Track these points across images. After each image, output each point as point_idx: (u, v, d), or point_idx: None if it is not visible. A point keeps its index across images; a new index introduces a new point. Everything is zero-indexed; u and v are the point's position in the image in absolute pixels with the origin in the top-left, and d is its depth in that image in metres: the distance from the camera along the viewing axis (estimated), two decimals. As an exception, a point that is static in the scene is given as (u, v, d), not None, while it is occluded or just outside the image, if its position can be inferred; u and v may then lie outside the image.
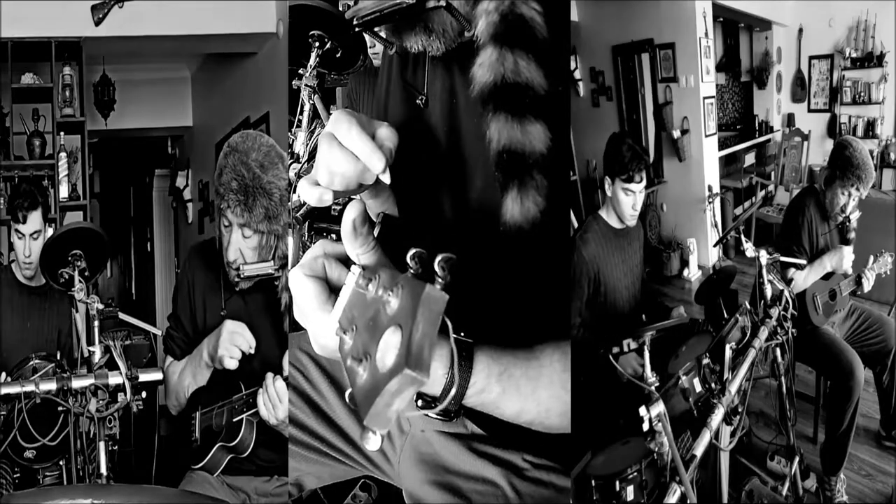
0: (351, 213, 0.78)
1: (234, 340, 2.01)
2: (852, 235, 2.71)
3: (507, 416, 0.91)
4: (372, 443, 0.65)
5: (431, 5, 0.92)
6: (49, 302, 2.52)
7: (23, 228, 2.49)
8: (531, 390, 0.90)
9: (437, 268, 0.65)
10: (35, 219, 2.51)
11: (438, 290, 0.63)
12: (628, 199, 2.42)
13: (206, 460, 2.05)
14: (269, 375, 1.92)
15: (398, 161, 1.06)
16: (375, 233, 0.81)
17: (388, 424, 0.63)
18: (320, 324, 0.81)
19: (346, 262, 0.83)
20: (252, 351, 2.02)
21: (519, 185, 0.91)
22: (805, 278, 2.63)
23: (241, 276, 2.06)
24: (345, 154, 0.84)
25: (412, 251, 0.68)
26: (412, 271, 0.68)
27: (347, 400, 0.69)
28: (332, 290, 0.83)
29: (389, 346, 0.61)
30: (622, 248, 2.49)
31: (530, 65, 0.91)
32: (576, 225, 3.96)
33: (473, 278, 0.81)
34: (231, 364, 2.01)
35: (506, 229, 0.92)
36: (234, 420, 1.99)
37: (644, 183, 2.43)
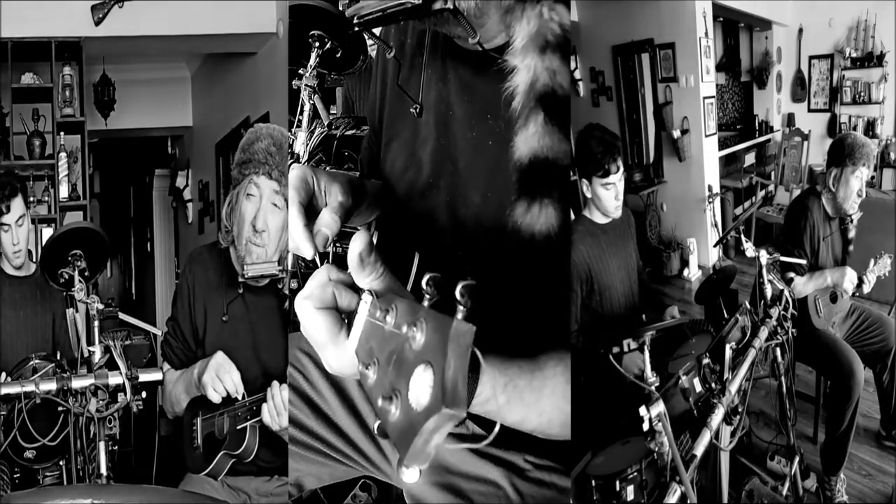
0: (357, 246, 0.77)
1: (220, 374, 1.97)
2: (853, 234, 2.72)
3: (509, 424, 0.92)
4: (409, 476, 0.64)
5: (438, 6, 0.90)
6: (39, 290, 2.50)
7: (6, 219, 2.44)
8: (534, 400, 0.90)
9: (458, 296, 0.64)
10: (17, 205, 2.46)
11: (465, 324, 0.62)
12: (609, 194, 2.35)
13: (209, 469, 2.04)
14: (275, 384, 1.91)
15: (394, 171, 1.06)
16: (374, 239, 0.81)
17: (428, 460, 0.62)
18: (335, 354, 0.81)
19: (353, 286, 0.82)
20: (238, 395, 1.98)
21: (545, 193, 0.92)
22: (805, 286, 2.63)
23: (246, 276, 2.03)
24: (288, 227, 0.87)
25: (427, 276, 0.67)
26: (428, 297, 0.67)
27: (376, 432, 0.68)
28: (342, 314, 0.82)
29: (423, 385, 0.61)
30: (612, 243, 2.45)
31: (568, 79, 0.93)
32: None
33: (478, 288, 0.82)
34: (214, 397, 1.98)
35: (525, 237, 0.92)
36: (238, 428, 1.98)
37: (622, 171, 2.35)
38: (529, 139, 0.92)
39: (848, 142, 2.76)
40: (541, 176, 0.92)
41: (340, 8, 2.24)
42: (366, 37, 2.72)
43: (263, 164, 2.01)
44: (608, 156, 2.32)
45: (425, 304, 0.67)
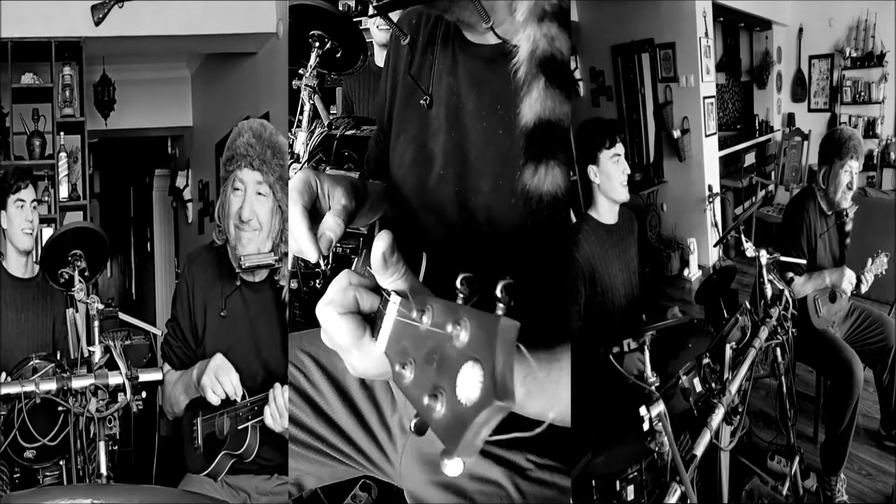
0: (380, 246, 0.77)
1: (219, 376, 1.97)
2: (849, 227, 2.74)
3: (531, 415, 0.93)
4: (452, 469, 0.66)
5: None
6: (42, 293, 2.52)
7: (23, 195, 2.53)
8: (553, 391, 0.92)
9: (498, 294, 0.66)
10: (31, 188, 2.58)
11: (510, 320, 0.64)
12: (618, 167, 2.38)
13: (210, 469, 2.04)
14: (277, 386, 1.91)
15: (403, 165, 1.07)
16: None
17: (477, 451, 0.64)
18: (360, 358, 0.81)
19: (374, 289, 0.82)
20: (237, 397, 1.99)
21: (552, 155, 0.94)
22: (804, 286, 2.63)
23: (243, 266, 2.04)
24: (291, 232, 0.90)
25: (461, 276, 0.69)
26: (462, 296, 0.69)
27: (412, 429, 0.70)
28: (365, 318, 0.83)
29: (472, 381, 0.62)
30: (615, 244, 2.46)
31: (568, 46, 0.97)
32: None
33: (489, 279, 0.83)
34: (214, 399, 1.98)
35: (532, 197, 0.94)
36: (239, 428, 1.98)
37: (622, 146, 2.41)
38: (533, 104, 0.94)
39: (835, 137, 2.81)
40: (545, 138, 0.94)
41: (340, 8, 2.24)
42: (377, 28, 2.72)
43: (245, 156, 2.05)
44: (610, 128, 2.40)
45: (460, 303, 0.69)
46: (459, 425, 0.62)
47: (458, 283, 0.69)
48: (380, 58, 2.80)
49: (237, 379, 1.98)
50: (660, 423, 1.72)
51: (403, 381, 0.71)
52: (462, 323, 0.65)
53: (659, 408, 1.72)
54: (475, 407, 0.61)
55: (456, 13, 1.00)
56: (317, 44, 2.15)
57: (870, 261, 2.76)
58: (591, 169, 2.41)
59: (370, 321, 0.82)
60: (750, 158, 5.91)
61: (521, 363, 0.87)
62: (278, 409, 1.89)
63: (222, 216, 2.11)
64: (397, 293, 0.78)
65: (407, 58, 1.16)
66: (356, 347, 0.81)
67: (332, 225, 0.90)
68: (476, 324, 0.65)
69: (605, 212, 2.45)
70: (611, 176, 2.39)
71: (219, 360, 2.01)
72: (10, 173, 2.57)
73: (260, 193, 2.06)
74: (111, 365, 1.90)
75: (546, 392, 0.91)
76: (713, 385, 1.93)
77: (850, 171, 2.74)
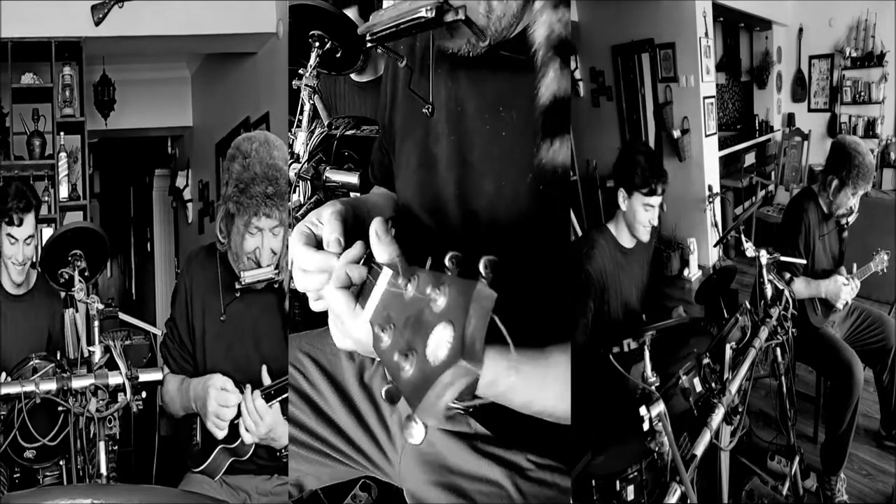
0: (373, 224, 0.83)
1: (222, 416, 1.93)
2: (846, 232, 2.74)
3: (517, 406, 0.95)
4: (416, 433, 0.67)
5: (450, 19, 0.94)
6: (36, 307, 2.48)
7: (16, 232, 2.40)
8: (539, 386, 0.93)
9: (481, 268, 0.67)
10: (29, 221, 2.42)
11: (488, 289, 0.65)
12: (647, 215, 2.34)
13: (206, 464, 2.04)
14: (248, 389, 1.89)
15: (409, 169, 1.08)
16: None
17: (439, 416, 0.64)
18: (355, 327, 0.85)
19: (361, 261, 0.89)
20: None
21: (564, 129, 0.98)
22: (798, 292, 2.61)
23: (242, 283, 2.03)
24: (308, 273, 0.96)
25: (450, 254, 0.70)
26: (450, 273, 0.69)
27: (383, 396, 0.72)
28: (354, 287, 0.89)
29: (441, 341, 0.63)
30: (629, 264, 2.44)
31: (569, 25, 1.00)
32: (576, 225, 3.96)
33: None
34: (220, 435, 1.95)
35: (547, 171, 0.98)
36: (235, 423, 1.98)
37: (659, 197, 2.35)
38: (550, 84, 0.97)
39: (855, 163, 2.66)
40: (558, 114, 0.98)
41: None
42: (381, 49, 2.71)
43: (256, 211, 2.01)
44: (657, 174, 2.32)
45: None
46: (425, 384, 0.63)
47: (446, 261, 0.70)
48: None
49: (235, 400, 1.95)
50: (660, 423, 1.72)
51: (381, 343, 0.73)
52: (442, 288, 0.66)
53: (659, 408, 1.72)
54: (442, 366, 0.62)
55: (446, 42, 1.01)
56: (317, 44, 2.15)
57: (855, 266, 2.75)
58: (621, 193, 2.37)
59: (359, 293, 0.87)
60: (750, 158, 5.92)
61: (504, 355, 0.87)
62: (249, 413, 1.87)
63: (231, 242, 2.07)
64: (389, 266, 0.80)
65: (407, 71, 1.17)
66: (350, 317, 0.86)
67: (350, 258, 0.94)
68: (455, 289, 0.66)
69: (624, 235, 2.43)
70: (636, 216, 2.36)
71: (213, 406, 1.95)
72: (10, 195, 2.40)
73: (273, 233, 2.05)
74: (111, 365, 1.90)
75: (530, 386, 0.92)
76: (713, 385, 1.93)
77: (858, 195, 2.69)
